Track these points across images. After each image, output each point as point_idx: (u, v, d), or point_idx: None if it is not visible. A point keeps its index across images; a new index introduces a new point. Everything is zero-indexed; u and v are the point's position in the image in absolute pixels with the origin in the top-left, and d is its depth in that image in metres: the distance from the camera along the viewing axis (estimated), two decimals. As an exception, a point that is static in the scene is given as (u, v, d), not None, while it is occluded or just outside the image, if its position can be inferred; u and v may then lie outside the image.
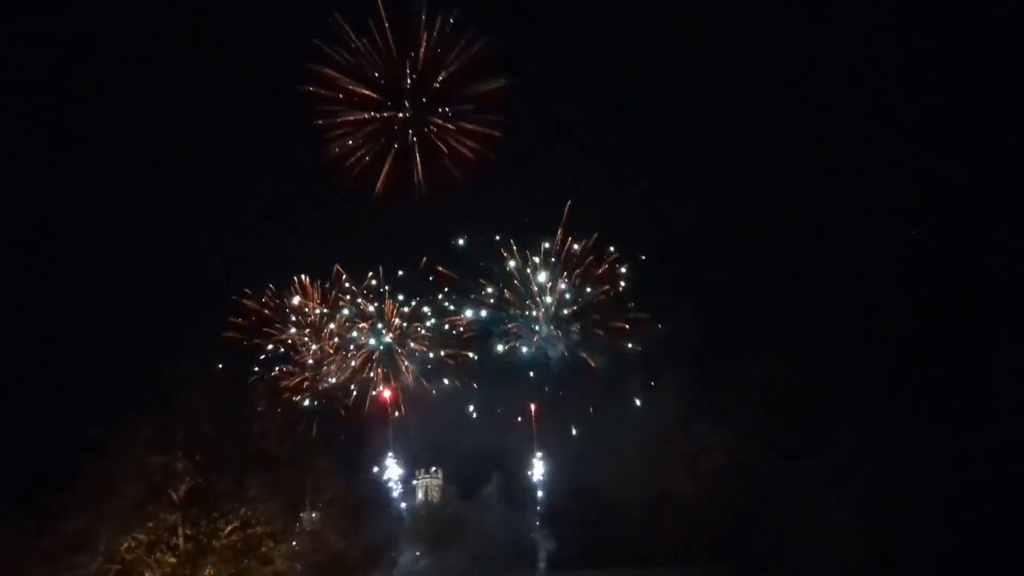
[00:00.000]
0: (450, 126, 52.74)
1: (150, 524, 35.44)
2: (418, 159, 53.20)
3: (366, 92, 52.27)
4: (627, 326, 54.27)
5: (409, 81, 52.77)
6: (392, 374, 54.91)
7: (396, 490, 54.25)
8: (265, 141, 54.16)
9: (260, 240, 54.63)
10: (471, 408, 53.90)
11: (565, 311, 55.48)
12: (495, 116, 52.02)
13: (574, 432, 53.55)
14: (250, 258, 54.69)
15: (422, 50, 51.83)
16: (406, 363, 54.79)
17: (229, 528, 36.46)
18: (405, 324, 55.56)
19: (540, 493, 53.59)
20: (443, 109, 53.08)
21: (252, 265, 54.07)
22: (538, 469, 54.22)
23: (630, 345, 54.07)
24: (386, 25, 51.01)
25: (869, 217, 51.58)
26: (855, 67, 52.37)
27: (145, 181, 52.85)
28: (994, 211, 48.16)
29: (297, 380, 53.94)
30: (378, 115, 52.76)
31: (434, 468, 55.29)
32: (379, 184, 52.55)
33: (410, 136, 53.17)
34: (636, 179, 56.12)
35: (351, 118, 52.21)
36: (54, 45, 49.62)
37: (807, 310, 50.21)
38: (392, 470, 54.33)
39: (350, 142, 52.22)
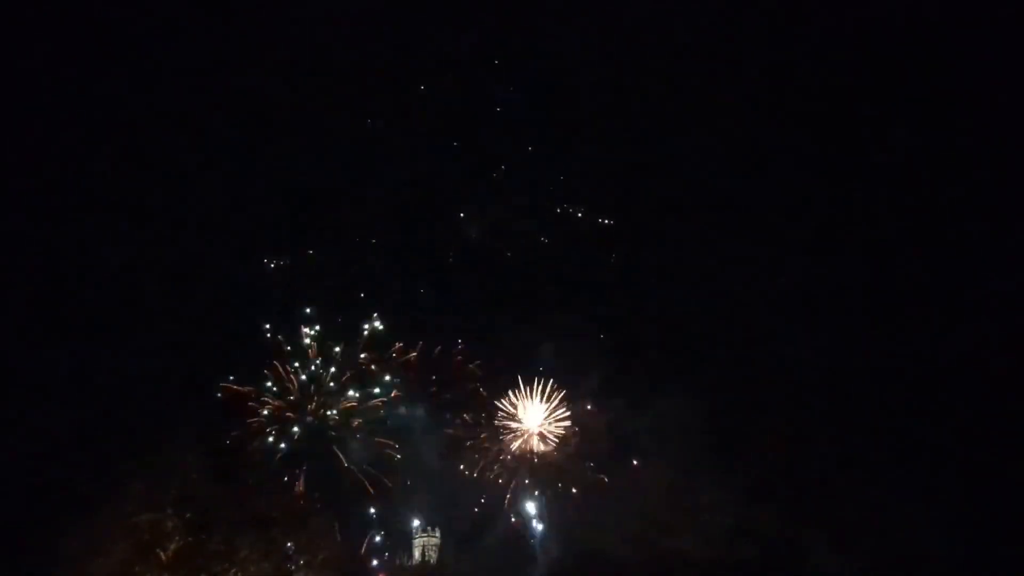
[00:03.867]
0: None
1: (136, 586, 34.28)
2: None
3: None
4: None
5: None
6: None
7: (394, 549, 52.86)
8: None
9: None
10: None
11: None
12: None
13: (580, 492, 52.64)
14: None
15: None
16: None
17: (217, 591, 35.35)
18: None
19: (543, 552, 52.35)
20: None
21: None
22: (542, 527, 52.96)
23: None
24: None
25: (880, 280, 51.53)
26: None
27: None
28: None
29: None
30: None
31: (430, 527, 53.95)
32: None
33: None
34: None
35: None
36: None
37: (814, 373, 49.68)
38: (391, 529, 53.02)
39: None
